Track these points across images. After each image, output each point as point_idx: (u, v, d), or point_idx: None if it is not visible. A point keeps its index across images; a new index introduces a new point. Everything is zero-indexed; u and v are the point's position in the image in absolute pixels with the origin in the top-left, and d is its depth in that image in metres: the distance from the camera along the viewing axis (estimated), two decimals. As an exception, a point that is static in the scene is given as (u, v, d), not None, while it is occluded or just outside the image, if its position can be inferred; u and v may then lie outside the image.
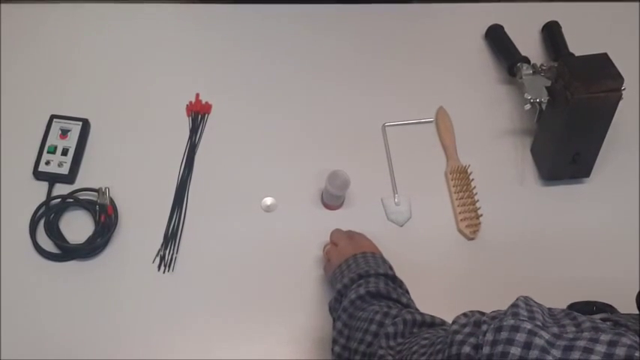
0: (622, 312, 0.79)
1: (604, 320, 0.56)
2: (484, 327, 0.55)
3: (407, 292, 0.83)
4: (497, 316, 0.56)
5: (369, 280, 0.80)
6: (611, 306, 0.80)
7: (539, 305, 0.57)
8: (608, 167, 1.10)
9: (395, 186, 1.07)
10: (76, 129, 1.07)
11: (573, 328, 0.52)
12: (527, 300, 0.57)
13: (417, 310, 0.76)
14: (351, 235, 0.94)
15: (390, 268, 0.86)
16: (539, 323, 0.53)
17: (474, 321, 0.58)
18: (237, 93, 1.15)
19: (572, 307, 0.83)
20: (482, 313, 0.60)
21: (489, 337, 0.53)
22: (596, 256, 1.03)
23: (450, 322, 0.63)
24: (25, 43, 1.18)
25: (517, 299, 0.57)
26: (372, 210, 1.05)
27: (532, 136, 1.12)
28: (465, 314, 0.62)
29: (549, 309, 0.58)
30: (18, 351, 0.90)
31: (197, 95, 1.14)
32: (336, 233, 0.96)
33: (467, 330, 0.58)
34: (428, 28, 1.26)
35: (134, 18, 1.23)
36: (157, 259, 0.98)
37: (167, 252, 0.99)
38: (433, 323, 0.70)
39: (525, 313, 0.54)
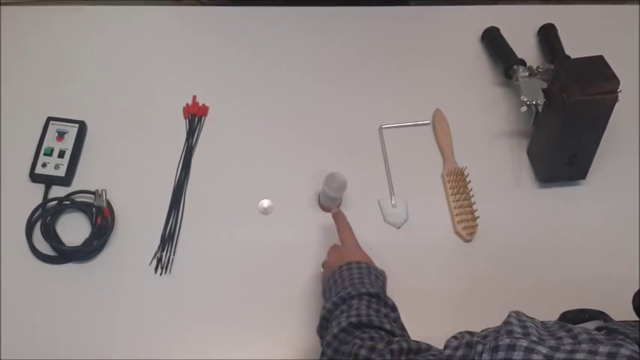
0: (618, 315, 0.79)
1: (599, 329, 0.56)
2: (479, 347, 0.55)
3: (393, 309, 0.79)
4: (488, 335, 0.56)
5: (352, 304, 0.77)
6: (603, 313, 0.80)
7: (532, 319, 0.57)
8: (604, 169, 1.10)
9: (392, 188, 1.07)
10: (72, 131, 1.06)
11: (570, 340, 0.52)
12: (520, 315, 0.57)
13: (402, 335, 0.73)
14: (338, 246, 0.92)
15: (378, 276, 0.84)
16: (534, 338, 0.53)
17: (466, 342, 0.58)
18: (234, 95, 1.15)
19: (565, 315, 0.83)
20: (472, 333, 0.60)
21: (486, 357, 0.53)
22: (593, 258, 1.03)
23: (432, 343, 0.62)
24: (23, 45, 1.18)
25: (509, 315, 0.57)
26: (369, 212, 1.05)
27: (528, 138, 1.12)
28: (454, 337, 0.62)
29: (542, 322, 0.57)
30: (16, 353, 0.90)
31: (194, 97, 1.14)
32: (332, 247, 0.94)
33: (460, 353, 0.57)
34: (424, 31, 1.26)
35: (131, 20, 1.23)
36: (154, 262, 0.98)
37: (164, 254, 0.99)
38: (419, 349, 0.68)
39: (519, 330, 0.54)
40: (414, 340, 0.69)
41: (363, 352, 0.69)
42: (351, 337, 0.72)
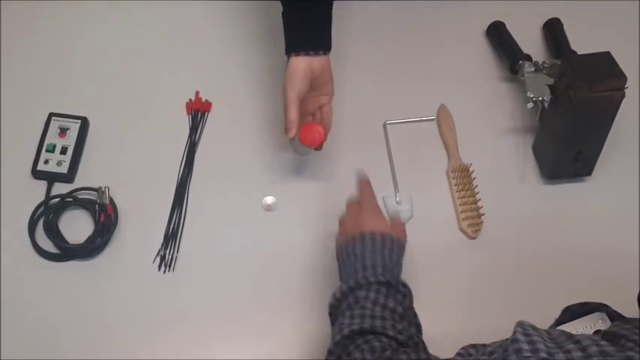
0: (622, 310, 0.79)
1: (603, 335, 0.55)
2: None
3: (404, 295, 0.78)
4: (495, 351, 0.55)
5: (359, 297, 0.76)
6: (605, 305, 0.80)
7: (538, 331, 0.56)
8: (609, 165, 1.09)
9: (396, 184, 1.07)
10: (74, 127, 1.06)
11: (580, 353, 0.51)
12: (525, 329, 0.55)
13: (406, 343, 0.72)
14: (356, 206, 0.89)
15: (393, 249, 0.81)
16: (543, 355, 0.52)
17: None
18: (237, 91, 1.15)
19: (567, 309, 0.82)
20: (475, 347, 0.59)
21: None
22: (598, 255, 1.02)
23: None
24: (24, 40, 1.17)
25: (515, 332, 0.55)
26: (373, 209, 1.04)
27: (534, 135, 1.11)
28: (459, 354, 0.61)
29: (547, 331, 0.57)
30: (17, 351, 0.90)
31: (197, 93, 1.14)
32: (350, 206, 0.90)
33: None
34: (429, 25, 1.25)
35: (133, 15, 1.23)
36: (157, 259, 0.98)
37: (167, 252, 0.98)
38: None
39: (527, 347, 0.53)
40: (424, 354, 0.69)
41: None
42: (352, 345, 0.71)
